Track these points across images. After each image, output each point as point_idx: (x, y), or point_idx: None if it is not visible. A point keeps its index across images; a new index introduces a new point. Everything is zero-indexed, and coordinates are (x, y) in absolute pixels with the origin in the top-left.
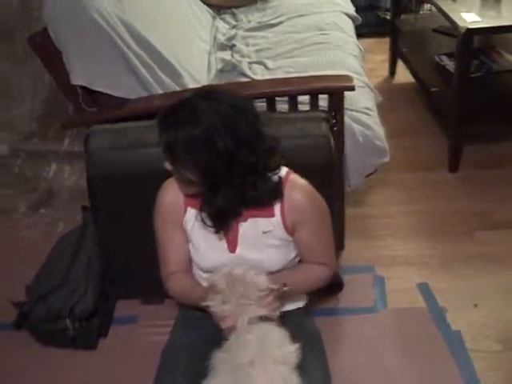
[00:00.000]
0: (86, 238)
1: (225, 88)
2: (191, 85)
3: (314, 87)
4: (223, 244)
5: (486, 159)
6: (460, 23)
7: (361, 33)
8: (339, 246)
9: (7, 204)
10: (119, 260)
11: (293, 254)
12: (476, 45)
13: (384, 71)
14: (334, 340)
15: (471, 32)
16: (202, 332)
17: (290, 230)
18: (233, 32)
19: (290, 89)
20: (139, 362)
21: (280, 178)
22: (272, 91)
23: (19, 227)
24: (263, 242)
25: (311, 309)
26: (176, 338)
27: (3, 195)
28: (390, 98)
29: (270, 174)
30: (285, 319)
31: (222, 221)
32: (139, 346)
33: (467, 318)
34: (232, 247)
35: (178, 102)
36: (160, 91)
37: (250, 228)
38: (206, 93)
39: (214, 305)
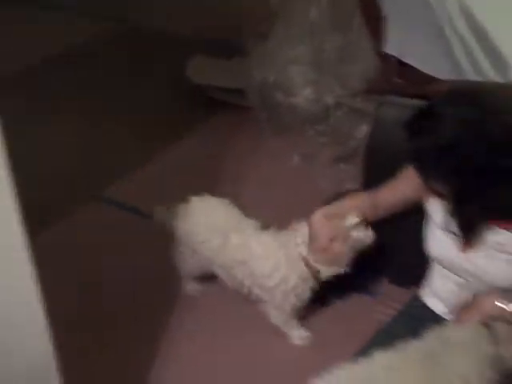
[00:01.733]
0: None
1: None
2: None
3: None
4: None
5: None
6: None
7: None
8: None
9: (315, 150)
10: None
11: None
12: None
13: None
14: None
15: None
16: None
17: None
18: None
19: None
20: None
21: None
22: None
23: (317, 175)
24: (495, 252)
25: None
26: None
27: (315, 141)
28: None
29: None
30: None
31: (470, 231)
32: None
33: None
34: (466, 248)
35: (423, 108)
36: (476, 78)
37: (488, 235)
38: (452, 95)
39: None
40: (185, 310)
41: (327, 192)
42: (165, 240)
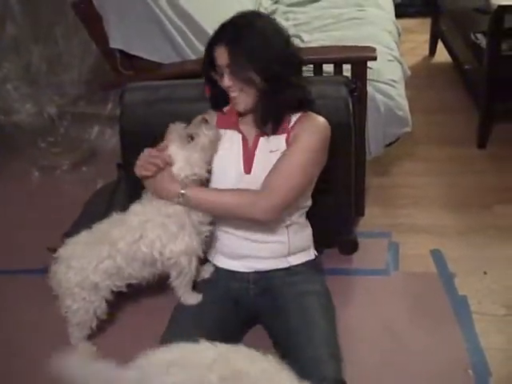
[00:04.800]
0: (119, 192)
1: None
2: None
3: (337, 56)
4: (239, 165)
5: None
6: (493, 0)
7: (406, 13)
8: (359, 212)
9: (52, 162)
10: None
11: None
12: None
13: (424, 50)
14: (344, 298)
15: (502, 9)
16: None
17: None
18: (274, 7)
19: (315, 57)
20: None
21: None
22: None
23: (61, 183)
24: (272, 162)
25: (323, 266)
26: None
27: (49, 153)
28: (427, 77)
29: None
30: (294, 272)
31: (279, 116)
32: None
33: (476, 284)
34: (247, 168)
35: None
36: (193, 57)
37: (262, 146)
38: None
39: None
40: None
41: (77, 196)
42: None
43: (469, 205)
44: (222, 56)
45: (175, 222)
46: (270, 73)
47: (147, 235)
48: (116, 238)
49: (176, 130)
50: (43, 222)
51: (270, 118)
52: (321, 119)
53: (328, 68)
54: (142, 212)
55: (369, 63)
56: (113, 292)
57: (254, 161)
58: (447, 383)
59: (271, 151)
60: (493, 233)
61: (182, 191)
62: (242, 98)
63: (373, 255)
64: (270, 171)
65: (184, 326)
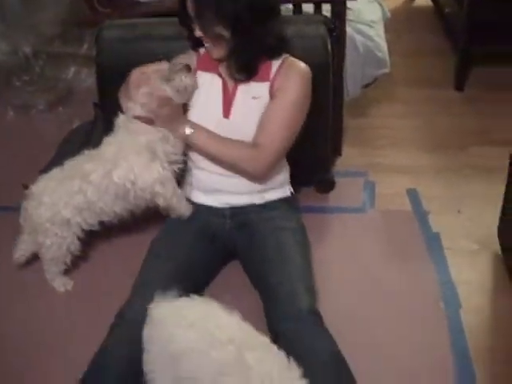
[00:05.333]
0: (96, 131)
1: None
2: None
3: None
4: (219, 109)
5: (493, 81)
6: None
7: None
8: (336, 151)
9: (27, 101)
10: None
11: None
12: None
13: None
14: (319, 235)
15: None
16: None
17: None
18: None
19: None
20: None
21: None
22: None
23: (37, 122)
24: (253, 109)
25: (299, 204)
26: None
27: (24, 92)
28: (407, 20)
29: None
30: (270, 208)
31: (253, 64)
32: None
33: (450, 222)
34: (227, 113)
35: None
36: None
37: (242, 92)
38: None
39: None
40: None
41: (53, 135)
42: None
43: (445, 146)
44: (190, 6)
45: (148, 152)
46: (239, 26)
47: (120, 165)
48: (88, 171)
49: (158, 69)
50: (19, 160)
51: (243, 67)
52: (302, 65)
53: (308, 9)
54: (115, 142)
55: (348, 3)
56: (85, 230)
57: (234, 105)
58: (419, 315)
59: (253, 97)
60: (468, 172)
61: (188, 132)
62: (214, 49)
63: (349, 194)
64: (263, 125)
65: (160, 262)
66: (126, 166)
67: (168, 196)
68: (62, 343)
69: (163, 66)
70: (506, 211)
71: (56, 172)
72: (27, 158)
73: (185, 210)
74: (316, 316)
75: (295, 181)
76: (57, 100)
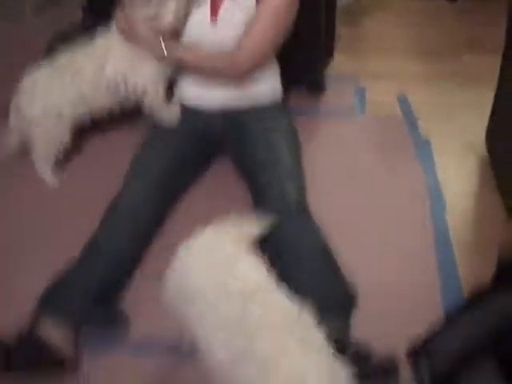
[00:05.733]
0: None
1: None
2: None
3: None
4: (206, 18)
5: None
6: None
7: None
8: (329, 53)
9: (14, 8)
10: None
11: None
12: None
13: None
14: (310, 137)
15: None
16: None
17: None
18: None
19: None
20: None
21: None
22: None
23: (24, 28)
24: (239, 15)
25: (290, 107)
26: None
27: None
28: None
29: None
30: (261, 109)
31: None
32: None
33: (439, 127)
34: (214, 16)
35: None
36: None
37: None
38: None
39: None
40: None
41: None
42: None
43: (438, 54)
44: None
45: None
46: None
47: (113, 58)
48: (80, 65)
49: None
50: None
51: None
52: None
53: None
54: (108, 38)
55: None
56: (77, 124)
57: (221, 8)
58: (407, 217)
59: (240, 5)
60: (460, 80)
61: (165, 52)
62: None
63: (340, 99)
64: (247, 29)
65: (152, 154)
66: (119, 59)
67: (155, 96)
68: (53, 235)
69: None
70: (496, 111)
71: (46, 66)
72: (15, 64)
73: (172, 114)
74: (305, 212)
75: (287, 79)
76: (44, 4)
